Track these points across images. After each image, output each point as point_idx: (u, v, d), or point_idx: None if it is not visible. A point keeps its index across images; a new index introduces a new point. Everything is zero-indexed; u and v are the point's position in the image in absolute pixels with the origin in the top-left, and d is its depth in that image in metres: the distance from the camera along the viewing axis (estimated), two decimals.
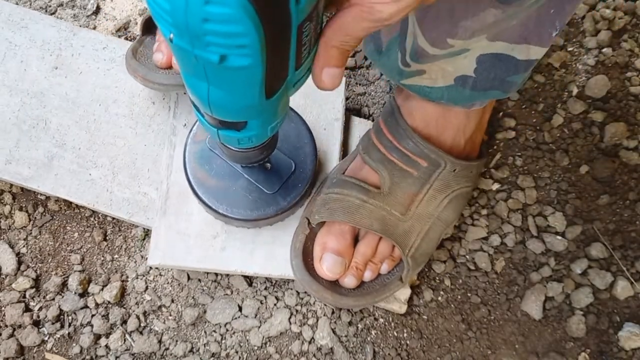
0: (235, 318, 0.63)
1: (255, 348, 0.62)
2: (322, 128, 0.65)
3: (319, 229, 0.59)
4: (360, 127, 0.68)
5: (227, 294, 0.64)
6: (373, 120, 0.70)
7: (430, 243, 0.59)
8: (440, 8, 0.43)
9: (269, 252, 0.60)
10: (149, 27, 0.65)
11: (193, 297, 0.64)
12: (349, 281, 0.57)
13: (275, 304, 0.63)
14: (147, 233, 0.66)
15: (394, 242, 0.56)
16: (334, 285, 0.57)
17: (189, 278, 0.64)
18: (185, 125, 0.64)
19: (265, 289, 0.64)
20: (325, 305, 0.63)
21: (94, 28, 0.74)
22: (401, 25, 0.50)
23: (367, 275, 0.58)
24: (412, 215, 0.57)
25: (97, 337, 0.63)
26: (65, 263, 0.66)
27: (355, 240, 0.59)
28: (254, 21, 0.27)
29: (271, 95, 0.35)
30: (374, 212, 0.56)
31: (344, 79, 0.67)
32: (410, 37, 0.49)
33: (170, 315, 0.64)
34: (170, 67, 0.61)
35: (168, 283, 0.65)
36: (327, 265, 0.56)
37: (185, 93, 0.62)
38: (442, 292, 0.65)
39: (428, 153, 0.57)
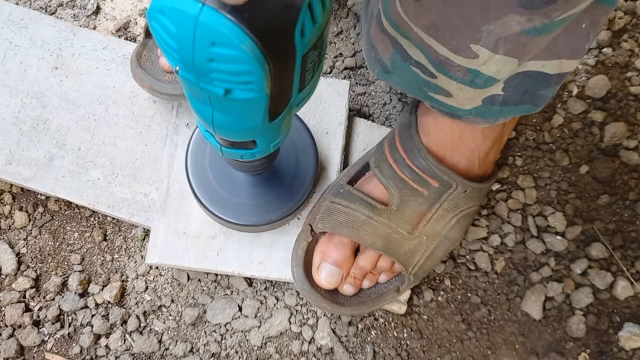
0: (235, 318, 0.63)
1: (255, 348, 0.62)
2: (325, 132, 0.64)
3: (321, 236, 0.58)
4: (361, 127, 0.68)
5: (227, 294, 0.64)
6: (373, 121, 0.70)
7: (435, 261, 0.59)
8: (453, 17, 0.42)
9: (267, 254, 0.60)
10: None
11: (193, 297, 0.64)
12: (348, 289, 0.57)
13: (275, 304, 0.63)
14: (147, 233, 0.66)
15: (396, 261, 0.56)
16: (332, 294, 0.57)
17: (188, 278, 0.64)
18: (187, 125, 0.64)
19: (265, 289, 0.64)
20: None
21: (94, 28, 0.74)
22: (391, 41, 0.49)
23: (365, 284, 0.58)
24: (420, 234, 0.57)
25: (97, 337, 0.63)
26: (65, 263, 0.66)
27: (357, 250, 0.58)
28: (260, 60, 0.27)
29: (274, 118, 0.35)
30: (379, 229, 0.56)
31: (347, 81, 0.66)
32: (415, 49, 0.47)
33: (170, 315, 0.64)
34: None
35: (168, 283, 0.65)
36: (324, 275, 0.56)
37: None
38: (442, 292, 0.65)
39: (440, 174, 0.56)
